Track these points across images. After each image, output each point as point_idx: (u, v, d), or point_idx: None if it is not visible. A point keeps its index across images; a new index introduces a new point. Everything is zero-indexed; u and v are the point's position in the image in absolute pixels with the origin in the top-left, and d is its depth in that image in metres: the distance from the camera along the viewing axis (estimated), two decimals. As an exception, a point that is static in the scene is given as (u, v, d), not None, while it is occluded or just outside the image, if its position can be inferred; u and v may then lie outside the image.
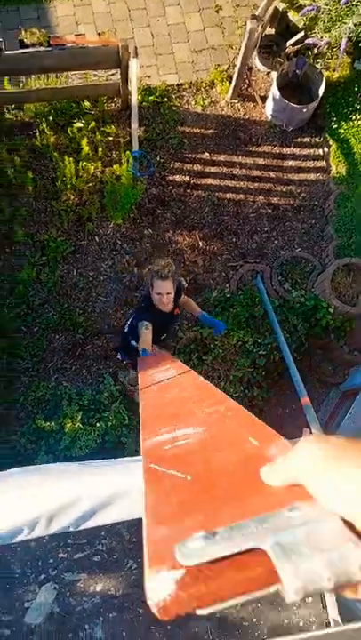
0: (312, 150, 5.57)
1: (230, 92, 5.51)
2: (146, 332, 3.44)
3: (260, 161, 5.57)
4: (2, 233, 5.03)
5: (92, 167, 5.17)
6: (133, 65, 4.62)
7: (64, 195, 5.15)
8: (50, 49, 4.52)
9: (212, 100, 5.61)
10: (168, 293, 3.50)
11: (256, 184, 5.53)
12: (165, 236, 5.33)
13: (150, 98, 5.49)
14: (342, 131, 5.37)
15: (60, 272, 5.06)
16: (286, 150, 5.59)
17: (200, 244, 5.38)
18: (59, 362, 4.81)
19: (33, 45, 4.52)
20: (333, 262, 4.99)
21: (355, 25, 4.57)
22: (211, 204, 5.44)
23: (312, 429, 3.33)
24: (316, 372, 5.33)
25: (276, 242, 5.42)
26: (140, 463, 0.76)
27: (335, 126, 5.37)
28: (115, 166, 5.12)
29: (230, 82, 5.48)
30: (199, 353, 4.90)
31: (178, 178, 5.47)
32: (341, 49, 4.67)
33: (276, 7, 5.22)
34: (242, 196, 5.49)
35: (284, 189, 5.53)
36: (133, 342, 3.73)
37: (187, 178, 5.48)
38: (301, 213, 5.49)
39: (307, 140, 5.60)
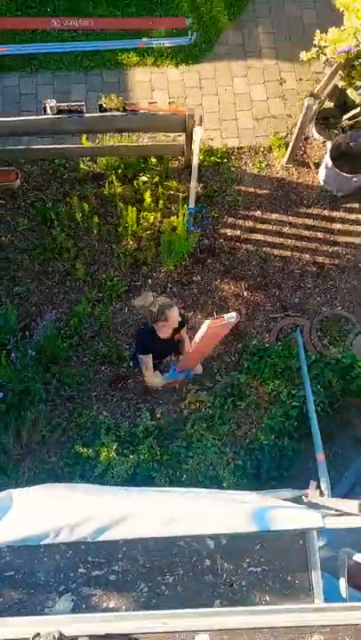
0: (360, 216, 5.86)
1: (286, 157, 5.92)
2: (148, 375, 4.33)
3: (309, 222, 5.90)
4: (65, 269, 5.54)
5: (152, 217, 5.65)
6: (197, 132, 5.11)
7: (124, 239, 5.63)
8: (125, 114, 5.08)
9: (269, 163, 6.03)
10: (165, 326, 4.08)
11: (303, 243, 5.84)
12: (213, 284, 5.69)
13: (211, 158, 5.97)
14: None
15: (112, 308, 5.49)
16: (335, 214, 5.90)
17: (245, 293, 5.70)
18: (102, 392, 5.18)
19: (110, 110, 5.09)
20: (372, 323, 5.17)
21: None
22: (258, 258, 5.78)
23: (321, 485, 3.49)
24: (350, 429, 5.43)
25: (318, 298, 5.67)
26: (150, 491, 1.01)
27: (383, 195, 5.63)
28: (172, 218, 5.58)
29: (287, 148, 5.90)
30: (234, 398, 5.14)
31: (230, 232, 5.86)
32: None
33: (335, 84, 5.63)
34: (289, 252, 5.81)
35: (330, 250, 5.81)
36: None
37: (238, 232, 5.86)
38: (345, 274, 5.73)
39: (356, 205, 5.90)
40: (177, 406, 5.17)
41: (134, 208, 5.47)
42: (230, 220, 5.90)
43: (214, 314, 5.56)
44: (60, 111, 5.10)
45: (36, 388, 4.96)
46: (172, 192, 5.85)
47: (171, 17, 6.23)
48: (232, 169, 6.00)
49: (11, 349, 4.79)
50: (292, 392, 5.10)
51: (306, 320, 5.55)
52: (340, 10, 5.07)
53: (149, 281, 5.63)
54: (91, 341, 5.34)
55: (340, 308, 5.61)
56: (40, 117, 5.14)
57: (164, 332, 4.15)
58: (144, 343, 4.29)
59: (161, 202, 5.71)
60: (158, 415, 5.04)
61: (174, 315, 4.00)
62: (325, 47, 5.17)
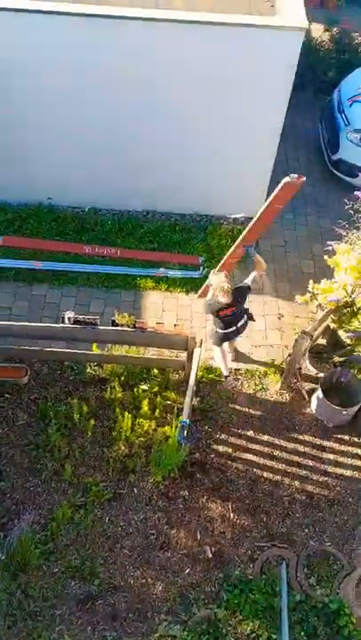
0: (351, 448, 5.98)
1: (280, 383, 6.28)
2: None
3: (300, 448, 6.00)
4: (54, 468, 5.53)
5: (147, 425, 5.82)
6: (197, 352, 5.56)
7: (116, 444, 5.72)
8: (134, 330, 5.60)
9: (264, 386, 6.38)
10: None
11: (294, 469, 5.86)
12: (200, 501, 5.58)
13: (210, 375, 6.35)
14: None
15: (93, 516, 5.32)
16: (326, 443, 6.03)
17: (231, 515, 5.54)
18: (67, 611, 4.77)
19: (121, 325, 5.63)
20: None
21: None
22: (248, 478, 5.76)
23: None
24: None
25: (306, 530, 5.49)
26: None
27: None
28: (167, 427, 5.74)
29: (281, 375, 6.29)
30: (210, 636, 4.69)
31: (221, 448, 5.94)
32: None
33: (328, 325, 6.24)
34: (278, 477, 5.80)
35: (320, 479, 5.80)
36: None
37: (229, 450, 5.93)
38: (335, 507, 5.63)
39: (346, 437, 6.06)
40: (146, 639, 4.69)
41: (130, 415, 5.67)
42: (223, 436, 6.02)
43: (198, 534, 5.36)
44: (76, 322, 5.64)
45: (-2, 599, 4.60)
46: (169, 402, 6.09)
47: (187, 254, 7.22)
48: (228, 388, 6.32)
49: (-20, 551, 4.57)
50: (273, 637, 4.67)
51: (292, 553, 5.30)
52: (332, 266, 5.88)
53: (135, 490, 5.56)
54: (65, 550, 5.08)
55: (328, 543, 5.39)
56: (57, 326, 5.67)
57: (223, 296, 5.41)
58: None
59: (158, 411, 5.92)
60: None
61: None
62: (318, 294, 5.88)
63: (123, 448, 5.70)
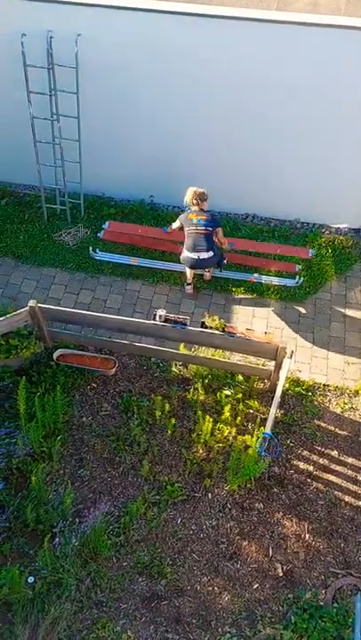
0: None
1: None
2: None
3: (389, 475, 5.65)
4: (132, 463, 5.60)
5: (227, 431, 5.73)
6: (286, 363, 5.39)
7: (195, 447, 5.68)
8: (223, 334, 5.54)
9: (353, 406, 6.08)
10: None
11: (378, 497, 5.54)
12: (275, 516, 5.42)
13: (296, 389, 6.14)
14: None
15: (166, 515, 5.32)
16: None
17: (307, 536, 5.33)
18: (132, 607, 4.79)
19: (211, 328, 5.59)
20: None
21: None
22: (328, 500, 5.51)
23: None
24: None
25: (386, 564, 5.16)
26: None
27: None
28: (247, 436, 5.63)
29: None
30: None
31: (302, 465, 5.72)
32: None
33: None
34: (361, 503, 5.51)
35: None
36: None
37: (310, 468, 5.71)
38: None
39: None
40: (208, 648, 4.62)
41: (211, 419, 5.60)
42: (305, 452, 5.81)
43: (270, 550, 5.21)
44: (166, 320, 5.69)
45: (69, 583, 4.72)
46: (251, 411, 5.97)
47: (284, 262, 7.06)
48: (315, 403, 6.09)
49: (56, 533, 4.70)
50: (341, 672, 4.42)
51: (369, 586, 5.00)
52: None
53: (209, 495, 5.49)
54: (135, 545, 5.12)
55: None
56: (148, 322, 5.75)
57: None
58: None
59: (239, 418, 5.82)
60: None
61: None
62: None
63: (201, 451, 5.65)
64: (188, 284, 6.73)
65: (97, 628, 4.55)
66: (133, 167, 7.13)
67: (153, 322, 5.69)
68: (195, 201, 6.39)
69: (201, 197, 6.37)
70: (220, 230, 6.58)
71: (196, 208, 6.41)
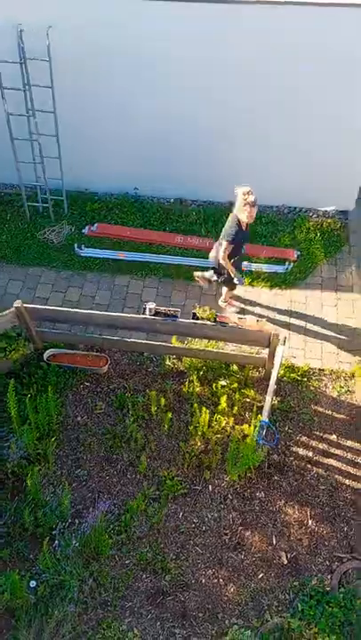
0: None
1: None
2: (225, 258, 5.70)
3: (389, 457, 5.62)
4: (129, 460, 5.54)
5: (225, 421, 5.68)
6: (280, 350, 5.32)
7: (193, 439, 5.62)
8: (215, 324, 5.47)
9: (350, 389, 6.03)
10: (252, 216, 5.56)
11: (379, 478, 5.51)
12: (277, 504, 5.38)
13: (292, 375, 6.09)
14: None
15: (167, 510, 5.27)
16: None
17: (310, 522, 5.30)
18: (137, 604, 4.75)
19: (202, 319, 5.51)
20: None
21: None
22: (329, 485, 5.47)
23: None
24: None
25: (390, 545, 5.14)
26: None
27: None
28: (244, 425, 5.58)
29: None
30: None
31: (301, 451, 5.68)
32: None
33: None
34: (362, 486, 5.47)
35: None
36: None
37: (310, 453, 5.66)
38: None
39: None
40: (215, 642, 4.59)
41: (208, 410, 5.55)
42: (304, 438, 5.76)
43: (273, 538, 5.17)
44: (157, 313, 5.60)
45: (71, 585, 4.67)
46: (248, 400, 5.92)
47: (281, 248, 6.96)
48: (311, 388, 6.04)
49: (56, 535, 4.63)
50: (350, 657, 4.40)
51: (374, 568, 4.98)
52: None
53: (210, 487, 5.44)
54: (138, 542, 5.07)
55: None
56: (138, 316, 5.66)
57: (250, 216, 5.54)
58: (234, 232, 5.60)
59: (236, 408, 5.77)
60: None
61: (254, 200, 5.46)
62: None
63: (199, 443, 5.60)
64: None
65: (102, 629, 4.51)
66: (115, 160, 7.00)
67: (143, 316, 5.60)
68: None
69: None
70: (223, 243, 5.71)
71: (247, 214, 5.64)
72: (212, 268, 6.10)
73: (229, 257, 5.75)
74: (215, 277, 6.12)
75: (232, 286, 6.23)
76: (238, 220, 5.63)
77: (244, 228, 5.70)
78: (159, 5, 5.65)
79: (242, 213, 5.55)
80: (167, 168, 6.95)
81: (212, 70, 6.09)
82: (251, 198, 5.47)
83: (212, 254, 6.01)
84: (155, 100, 6.43)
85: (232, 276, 5.88)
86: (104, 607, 4.73)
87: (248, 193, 5.48)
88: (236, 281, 5.97)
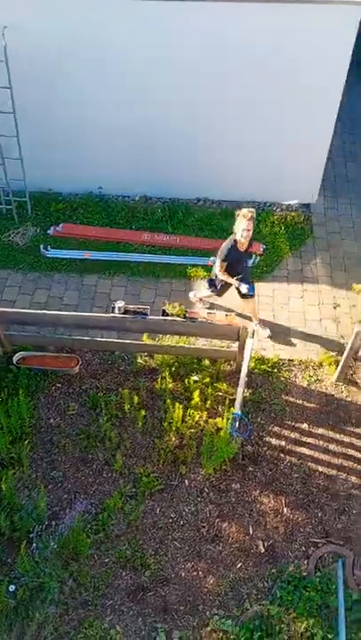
0: None
1: (336, 374, 6.05)
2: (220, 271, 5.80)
3: (357, 442, 5.75)
4: (105, 459, 5.54)
5: (198, 416, 5.73)
6: (249, 343, 5.41)
7: (167, 435, 5.66)
8: (184, 320, 5.51)
9: (319, 378, 6.16)
10: (248, 230, 5.52)
11: (350, 463, 5.64)
12: (252, 494, 5.46)
13: (262, 366, 6.18)
14: None
15: (144, 507, 5.30)
16: (385, 437, 5.76)
17: (285, 510, 5.39)
18: (118, 602, 4.77)
19: (172, 315, 5.55)
20: None
21: None
22: (302, 472, 5.58)
23: None
24: None
25: (363, 527, 5.28)
26: None
27: None
28: (218, 419, 5.64)
29: (337, 366, 6.06)
30: (262, 633, 4.58)
31: (274, 441, 5.78)
32: None
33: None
34: (334, 472, 5.59)
35: (378, 475, 5.56)
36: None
37: (283, 442, 5.77)
38: (394, 504, 5.38)
39: None
40: (197, 633, 4.63)
41: (181, 405, 5.59)
42: (276, 428, 5.86)
43: (250, 528, 5.25)
44: (126, 311, 5.61)
45: (51, 586, 4.66)
46: (220, 394, 5.98)
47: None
48: (282, 379, 6.14)
49: (33, 538, 4.62)
50: (329, 636, 4.51)
51: (349, 551, 5.10)
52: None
53: (186, 482, 5.49)
54: (116, 540, 5.09)
55: (387, 542, 5.16)
56: (107, 315, 5.67)
57: (245, 238, 5.57)
58: (226, 250, 5.65)
59: (209, 402, 5.83)
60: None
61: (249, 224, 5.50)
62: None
63: (173, 439, 5.64)
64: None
65: (84, 628, 4.51)
66: (78, 159, 6.98)
67: (112, 314, 5.61)
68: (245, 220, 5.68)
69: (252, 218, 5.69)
70: (216, 261, 5.89)
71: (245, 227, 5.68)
72: (208, 280, 6.20)
73: (231, 275, 5.83)
74: (210, 290, 6.18)
75: (244, 297, 6.07)
76: (235, 240, 5.67)
77: (239, 247, 5.71)
78: (115, 4, 5.65)
79: (238, 233, 5.59)
80: (130, 167, 6.96)
81: (171, 69, 6.13)
82: (244, 211, 5.56)
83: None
84: (115, 99, 6.44)
85: (235, 286, 5.86)
86: (85, 607, 4.73)
87: (249, 211, 5.59)
88: (243, 290, 5.83)
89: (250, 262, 6.19)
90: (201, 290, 6.45)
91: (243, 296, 6.02)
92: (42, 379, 5.96)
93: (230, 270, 5.81)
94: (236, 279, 5.83)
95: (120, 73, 6.20)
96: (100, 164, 7.05)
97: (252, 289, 5.89)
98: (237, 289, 5.89)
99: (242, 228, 5.52)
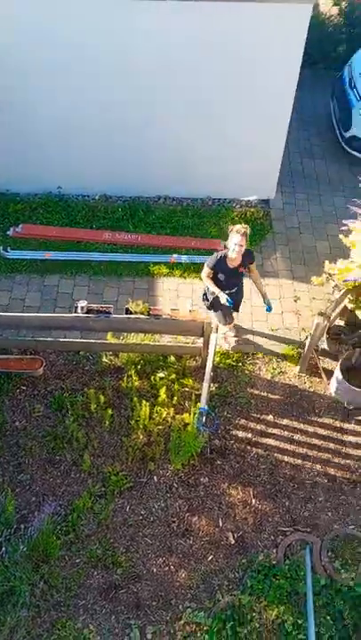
0: (372, 430, 5.87)
1: (299, 366, 6.18)
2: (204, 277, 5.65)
3: (321, 431, 5.90)
4: (72, 459, 5.52)
5: (165, 412, 5.76)
6: (213, 338, 5.47)
7: (135, 433, 5.67)
8: (148, 317, 5.53)
9: (282, 370, 6.28)
10: (241, 245, 5.30)
11: (315, 452, 5.77)
12: (221, 487, 5.53)
13: (227, 361, 6.27)
14: None
15: (113, 505, 5.30)
16: (347, 426, 5.92)
17: (253, 501, 5.49)
18: (90, 601, 4.77)
19: (135, 313, 5.56)
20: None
21: None
22: (269, 463, 5.69)
23: None
24: None
25: (329, 514, 5.41)
26: None
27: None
28: (185, 414, 5.68)
29: (300, 358, 6.19)
30: (235, 622, 4.65)
31: (241, 434, 5.87)
32: None
33: (345, 305, 6.10)
34: (300, 461, 5.72)
35: (342, 462, 5.71)
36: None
37: (249, 435, 5.86)
38: (358, 489, 5.54)
39: (368, 419, 5.94)
40: (171, 627, 4.67)
41: (148, 403, 5.61)
42: (242, 421, 5.95)
43: (220, 521, 5.32)
44: (89, 311, 5.59)
45: (22, 590, 4.62)
46: (187, 389, 6.03)
47: (209, 239, 7.10)
48: (246, 372, 6.24)
49: (2, 543, 4.56)
50: (299, 622, 4.62)
51: (316, 538, 5.23)
52: (349, 245, 5.73)
53: (155, 478, 5.52)
54: (86, 540, 5.08)
55: (352, 526, 5.31)
56: (70, 315, 5.64)
57: (234, 252, 5.35)
58: (214, 259, 5.53)
59: (175, 398, 5.86)
60: (149, 636, 4.53)
61: (239, 238, 5.28)
62: (334, 275, 5.74)
63: (141, 437, 5.65)
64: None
65: (57, 629, 4.49)
66: (35, 159, 6.91)
67: (75, 314, 5.58)
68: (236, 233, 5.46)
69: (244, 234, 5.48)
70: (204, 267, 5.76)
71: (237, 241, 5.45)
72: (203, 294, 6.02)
73: (222, 290, 5.60)
74: (204, 304, 6.04)
75: (223, 315, 5.98)
76: (225, 254, 5.45)
77: (230, 262, 5.48)
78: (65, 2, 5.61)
79: (230, 248, 5.35)
80: (90, 166, 6.93)
81: (127, 69, 6.11)
82: (238, 227, 5.37)
83: None
84: (71, 98, 6.39)
85: (218, 296, 5.61)
86: (57, 608, 4.71)
87: (242, 227, 5.40)
88: (222, 300, 5.60)
89: (265, 304, 5.84)
90: (213, 319, 6.01)
91: (220, 315, 5.95)
92: (5, 381, 5.88)
93: (220, 284, 5.61)
94: (227, 293, 5.60)
95: (76, 72, 6.16)
96: (59, 164, 6.99)
97: (231, 302, 5.59)
98: (218, 297, 5.64)
99: (234, 242, 5.32)
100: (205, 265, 5.66)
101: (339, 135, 8.05)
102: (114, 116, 6.52)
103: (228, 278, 5.64)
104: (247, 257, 5.56)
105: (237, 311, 6.18)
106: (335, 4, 9.67)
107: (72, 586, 4.83)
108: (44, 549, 4.82)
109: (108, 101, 6.40)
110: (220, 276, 5.62)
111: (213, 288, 5.64)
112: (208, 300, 5.92)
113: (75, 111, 6.49)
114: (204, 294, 5.95)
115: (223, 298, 5.59)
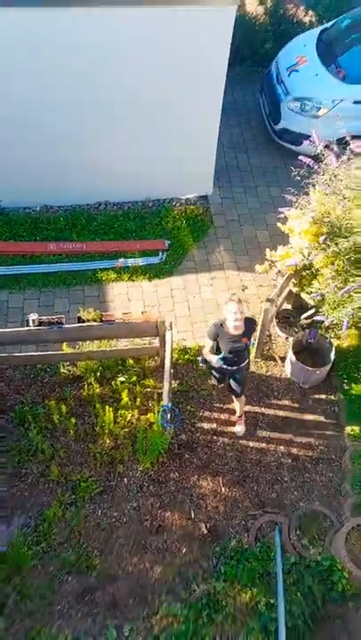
0: (328, 407, 6.04)
1: (253, 352, 6.32)
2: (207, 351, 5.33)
3: (281, 413, 6.05)
4: (40, 471, 5.54)
5: (129, 415, 5.82)
6: (168, 336, 5.56)
7: (101, 439, 5.73)
8: (101, 324, 5.59)
9: (238, 359, 6.40)
10: (241, 312, 5.00)
11: (277, 434, 5.92)
12: (190, 480, 5.63)
13: (185, 356, 6.37)
14: (354, 392, 5.86)
15: (85, 511, 5.35)
16: (305, 405, 6.09)
17: (222, 489, 5.60)
18: (66, 606, 4.80)
19: (88, 321, 5.61)
20: (349, 520, 4.98)
21: (353, 309, 5.39)
22: (235, 450, 5.81)
23: None
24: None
25: (295, 493, 5.55)
26: None
27: (347, 388, 5.92)
28: (149, 414, 5.75)
29: (254, 345, 6.33)
30: (210, 610, 4.75)
31: (206, 425, 5.97)
32: (344, 327, 5.42)
33: (290, 289, 6.28)
34: (264, 444, 5.86)
35: (303, 441, 5.86)
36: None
37: (214, 425, 5.97)
38: (320, 465, 5.70)
39: (323, 397, 6.11)
40: (148, 622, 4.74)
41: (111, 407, 5.66)
42: (206, 413, 6.06)
43: (191, 513, 5.41)
44: (41, 323, 5.63)
45: (-5, 604, 4.63)
46: (149, 390, 6.11)
47: (152, 240, 7.20)
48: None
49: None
50: (271, 601, 4.74)
51: (284, 517, 5.36)
52: (287, 232, 5.90)
53: (125, 480, 5.58)
54: (59, 548, 5.11)
55: (317, 502, 5.46)
56: (22, 329, 5.66)
57: (234, 324, 5.01)
58: (212, 328, 5.24)
59: (138, 400, 5.93)
60: (126, 633, 4.59)
61: (230, 306, 4.99)
62: (276, 261, 5.91)
63: (108, 441, 5.71)
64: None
65: (32, 637, 4.51)
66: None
67: (27, 328, 5.61)
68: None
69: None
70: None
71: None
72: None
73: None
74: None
75: (216, 377, 5.78)
76: (222, 324, 5.16)
77: (228, 331, 5.11)
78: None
79: (229, 320, 5.05)
80: (28, 177, 6.91)
81: (55, 70, 6.11)
82: (230, 296, 5.08)
83: None
84: (12, 104, 6.28)
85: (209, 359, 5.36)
86: (32, 616, 4.72)
87: (233, 295, 5.12)
88: (214, 363, 5.30)
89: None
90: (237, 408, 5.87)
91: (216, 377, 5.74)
92: (-36, 402, 5.88)
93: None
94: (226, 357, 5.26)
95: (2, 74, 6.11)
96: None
97: (219, 360, 5.24)
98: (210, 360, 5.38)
99: (232, 311, 4.97)
100: (206, 336, 5.33)
101: (270, 129, 8.25)
102: (47, 127, 6.53)
103: (229, 348, 5.21)
104: (249, 324, 5.21)
105: (238, 393, 5.74)
106: (261, 4, 9.93)
107: (46, 593, 4.85)
108: (15, 562, 4.83)
109: (39, 110, 6.36)
110: (221, 345, 5.28)
111: (210, 357, 5.31)
112: (207, 364, 5.63)
113: (6, 125, 6.47)
114: (202, 357, 5.65)
115: (214, 358, 5.27)
